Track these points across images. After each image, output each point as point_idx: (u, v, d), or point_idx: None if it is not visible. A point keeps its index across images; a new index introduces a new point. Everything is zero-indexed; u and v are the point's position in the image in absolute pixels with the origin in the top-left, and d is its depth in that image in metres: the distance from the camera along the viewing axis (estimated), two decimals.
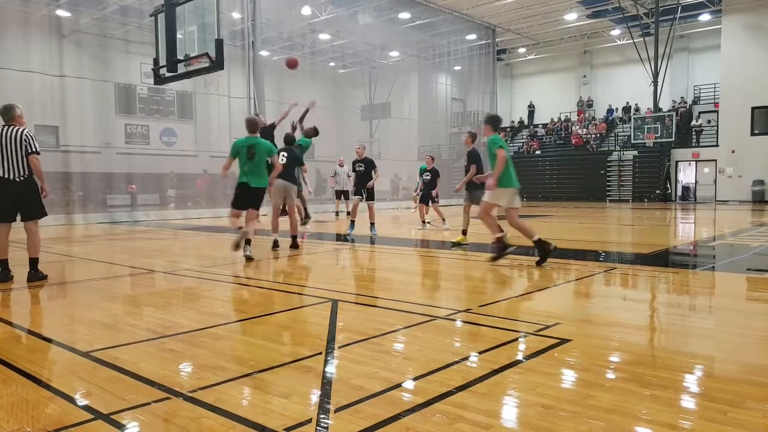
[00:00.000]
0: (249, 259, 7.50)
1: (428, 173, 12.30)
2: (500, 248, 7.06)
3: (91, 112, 18.22)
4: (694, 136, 29.17)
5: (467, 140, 9.66)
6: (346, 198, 16.42)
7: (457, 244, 9.27)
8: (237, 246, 7.49)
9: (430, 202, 12.46)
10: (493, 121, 7.25)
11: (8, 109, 6.03)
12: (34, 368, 3.21)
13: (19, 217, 6.02)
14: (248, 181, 7.62)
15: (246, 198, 7.68)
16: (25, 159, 5.88)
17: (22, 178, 5.87)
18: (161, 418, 2.52)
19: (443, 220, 12.63)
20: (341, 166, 16.88)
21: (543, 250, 6.79)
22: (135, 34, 19.34)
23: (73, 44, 18.91)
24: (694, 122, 29.37)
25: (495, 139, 6.97)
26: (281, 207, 9.19)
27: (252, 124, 7.83)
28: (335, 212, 17.92)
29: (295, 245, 8.77)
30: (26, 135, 5.92)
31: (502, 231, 7.08)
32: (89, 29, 19.50)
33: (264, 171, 7.76)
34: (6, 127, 5.93)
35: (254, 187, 7.65)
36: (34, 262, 6.08)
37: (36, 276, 6.04)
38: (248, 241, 7.55)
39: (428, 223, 12.86)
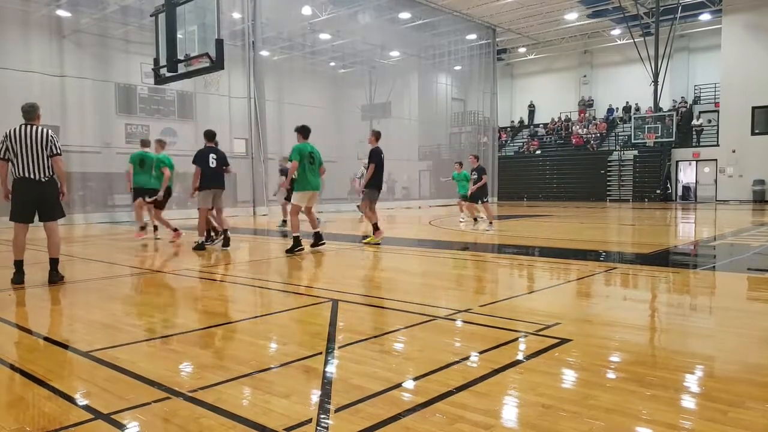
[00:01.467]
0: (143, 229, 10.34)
1: (475, 172, 13.38)
2: (296, 244, 8.34)
3: (91, 112, 18.16)
4: (695, 136, 29.16)
5: (371, 139, 9.85)
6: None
7: (370, 243, 9.42)
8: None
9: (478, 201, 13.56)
10: (301, 130, 8.51)
11: (34, 108, 5.89)
12: (33, 368, 3.20)
13: (37, 218, 5.93)
14: (143, 184, 10.08)
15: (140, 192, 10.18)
16: (48, 159, 5.81)
17: (46, 179, 5.82)
18: (161, 417, 2.52)
19: (490, 222, 13.29)
20: (365, 168, 16.91)
21: (318, 238, 8.60)
22: (135, 34, 19.29)
23: (74, 44, 18.86)
24: (694, 122, 29.37)
25: (294, 147, 8.34)
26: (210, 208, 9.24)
27: (143, 141, 10.71)
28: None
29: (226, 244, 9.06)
30: (51, 136, 5.85)
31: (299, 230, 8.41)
32: (89, 29, 19.44)
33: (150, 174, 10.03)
34: (28, 125, 5.81)
35: (146, 188, 10.09)
36: (54, 262, 6.01)
37: (57, 276, 5.98)
38: (148, 227, 10.40)
39: (466, 220, 13.80)
